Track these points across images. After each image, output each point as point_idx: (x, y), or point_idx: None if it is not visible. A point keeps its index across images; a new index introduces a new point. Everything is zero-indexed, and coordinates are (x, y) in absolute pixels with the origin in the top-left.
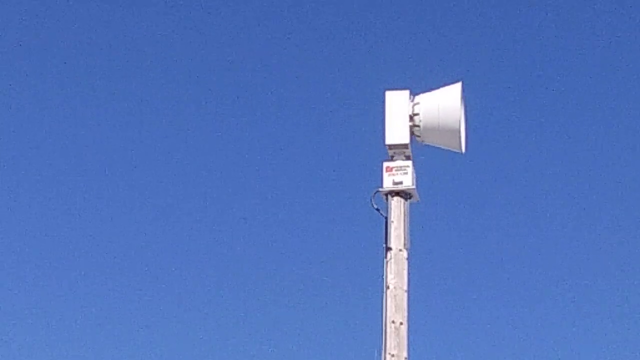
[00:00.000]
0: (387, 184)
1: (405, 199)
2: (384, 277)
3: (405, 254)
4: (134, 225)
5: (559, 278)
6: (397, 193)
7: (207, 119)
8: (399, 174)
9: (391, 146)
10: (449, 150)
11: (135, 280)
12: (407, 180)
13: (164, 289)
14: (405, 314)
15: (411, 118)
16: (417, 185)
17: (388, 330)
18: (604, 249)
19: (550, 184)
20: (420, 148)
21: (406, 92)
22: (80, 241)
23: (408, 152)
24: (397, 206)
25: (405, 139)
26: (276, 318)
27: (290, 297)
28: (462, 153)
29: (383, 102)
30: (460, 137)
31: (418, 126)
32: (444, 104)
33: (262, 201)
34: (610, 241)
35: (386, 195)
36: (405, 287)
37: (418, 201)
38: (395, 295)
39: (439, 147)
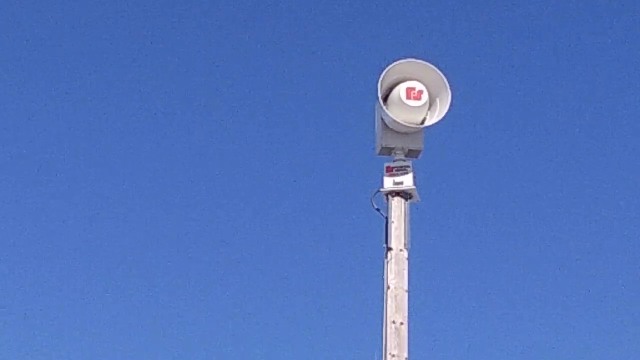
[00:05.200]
0: (388, 184)
1: (406, 199)
2: (385, 277)
3: (405, 254)
4: (134, 225)
5: (560, 278)
6: (398, 193)
7: (208, 121)
8: (400, 174)
9: (379, 153)
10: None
11: (134, 280)
12: (408, 181)
13: (162, 288)
14: (406, 314)
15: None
16: (417, 185)
17: (388, 330)
18: (605, 250)
19: (554, 184)
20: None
21: None
22: (80, 241)
23: (407, 148)
24: (397, 206)
25: (381, 142)
26: (276, 318)
27: (291, 297)
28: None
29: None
30: (385, 111)
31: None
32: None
33: (261, 201)
34: (612, 245)
35: (387, 195)
36: (406, 287)
37: (418, 201)
38: (395, 295)
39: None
